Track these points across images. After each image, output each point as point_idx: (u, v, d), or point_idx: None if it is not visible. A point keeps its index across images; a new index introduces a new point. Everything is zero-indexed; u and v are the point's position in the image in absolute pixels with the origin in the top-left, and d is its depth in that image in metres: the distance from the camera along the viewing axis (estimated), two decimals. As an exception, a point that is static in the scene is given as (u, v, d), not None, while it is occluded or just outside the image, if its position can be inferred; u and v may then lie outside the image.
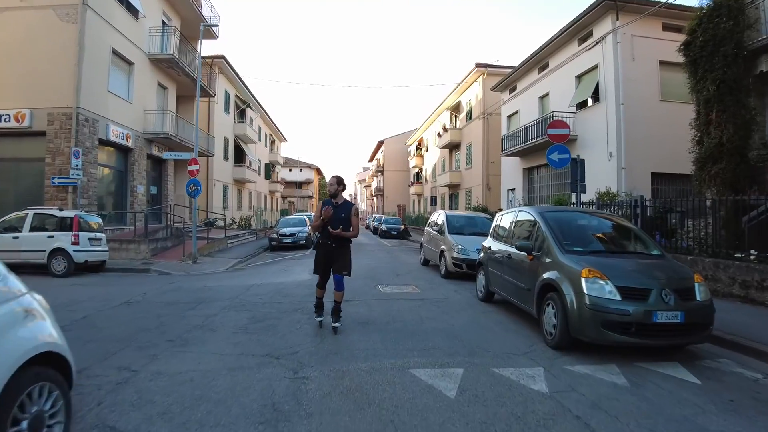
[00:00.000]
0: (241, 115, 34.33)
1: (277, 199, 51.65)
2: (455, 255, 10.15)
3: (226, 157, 30.26)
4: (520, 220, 6.80)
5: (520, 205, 19.47)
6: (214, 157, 27.57)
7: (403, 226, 29.38)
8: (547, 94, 20.86)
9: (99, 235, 11.95)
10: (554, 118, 18.41)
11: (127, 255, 13.88)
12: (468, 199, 31.08)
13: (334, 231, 5.52)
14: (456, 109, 34.18)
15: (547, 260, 5.38)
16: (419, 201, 48.75)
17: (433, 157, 42.03)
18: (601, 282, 4.66)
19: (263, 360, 4.46)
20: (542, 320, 5.29)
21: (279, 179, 51.01)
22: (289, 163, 65.53)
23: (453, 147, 34.70)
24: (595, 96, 17.37)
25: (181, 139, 20.41)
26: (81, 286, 9.66)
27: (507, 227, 7.22)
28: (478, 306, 7.40)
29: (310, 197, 68.61)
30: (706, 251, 9.15)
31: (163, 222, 19.80)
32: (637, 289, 4.63)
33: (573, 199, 16.42)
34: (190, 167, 13.90)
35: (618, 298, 4.55)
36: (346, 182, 6.27)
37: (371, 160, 74.57)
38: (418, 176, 49.11)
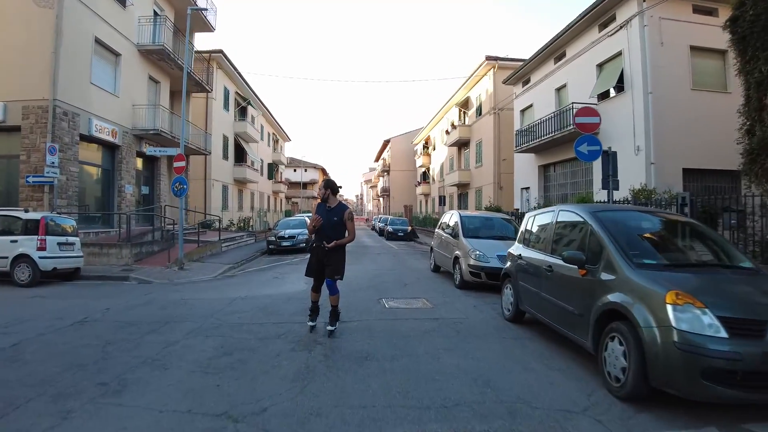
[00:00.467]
0: (242, 112, 33.15)
1: (281, 200, 50.48)
2: (472, 262, 8.76)
3: (225, 156, 29.06)
4: (562, 222, 5.38)
5: (538, 206, 18.15)
6: (212, 155, 26.38)
7: (410, 228, 28.00)
8: (564, 86, 19.42)
9: (71, 239, 10.68)
10: (575, 109, 17.07)
11: (108, 260, 12.63)
12: (478, 199, 29.65)
13: (328, 245, 5.45)
14: (465, 105, 32.76)
15: (609, 277, 3.97)
16: (426, 201, 47.32)
17: (440, 155, 40.62)
18: (696, 311, 3.27)
19: (215, 425, 3.12)
20: (602, 358, 3.88)
21: (283, 179, 49.83)
22: (294, 163, 64.36)
23: (462, 145, 33.29)
24: (620, 85, 15.92)
25: (173, 136, 19.17)
26: (41, 298, 8.40)
27: (542, 231, 5.80)
28: (507, 329, 5.98)
29: (315, 198, 67.43)
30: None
31: (156, 224, 18.61)
32: (749, 321, 3.26)
33: (597, 197, 15.07)
34: (176, 164, 12.61)
35: (723, 335, 3.16)
36: (338, 186, 6.14)
37: (377, 159, 73.24)
38: (425, 176, 47.70)
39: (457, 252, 9.50)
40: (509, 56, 27.86)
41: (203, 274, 11.86)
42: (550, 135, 18.64)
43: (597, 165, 17.16)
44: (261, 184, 38.77)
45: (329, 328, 5.56)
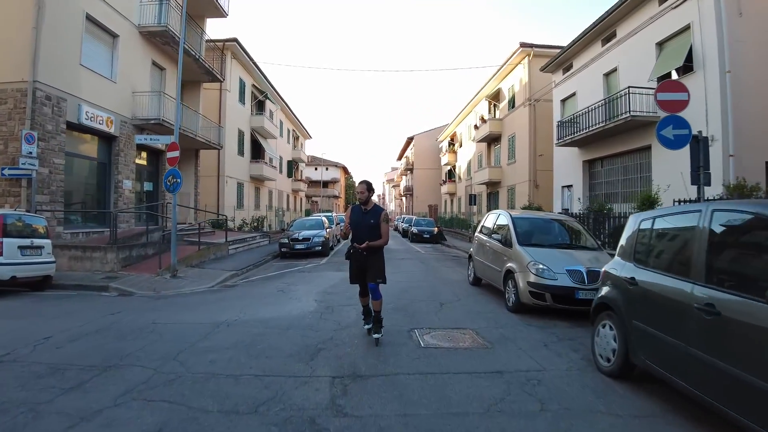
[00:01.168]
0: (260, 107, 31.55)
1: (301, 199, 48.91)
2: (533, 279, 6.59)
3: (241, 152, 27.42)
4: (730, 227, 3.20)
5: (590, 207, 15.89)
6: (225, 151, 24.76)
7: (436, 229, 25.85)
8: (614, 70, 17.05)
9: (39, 242, 8.95)
10: (633, 93, 14.72)
11: (92, 266, 10.91)
12: (511, 198, 27.32)
13: (360, 246, 5.35)
14: (496, 97, 30.44)
15: None
16: (452, 201, 45.07)
17: (467, 152, 38.33)
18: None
19: None
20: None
21: (303, 178, 48.23)
22: (315, 162, 62.85)
23: (492, 140, 30.97)
24: (687, 64, 13.54)
25: (182, 129, 17.53)
26: (-21, 318, 6.63)
27: (676, 244, 3.64)
28: (614, 395, 3.75)
29: (336, 197, 65.66)
30: None
31: (160, 224, 16.99)
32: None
33: (665, 198, 12.64)
34: (169, 154, 10.80)
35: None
36: (374, 186, 5.91)
37: (400, 158, 71.18)
38: (450, 174, 45.45)
39: (509, 264, 7.33)
40: (545, 44, 25.48)
41: (198, 284, 10.02)
42: (598, 125, 16.32)
43: (660, 158, 14.81)
44: (280, 182, 37.16)
45: (375, 336, 5.43)
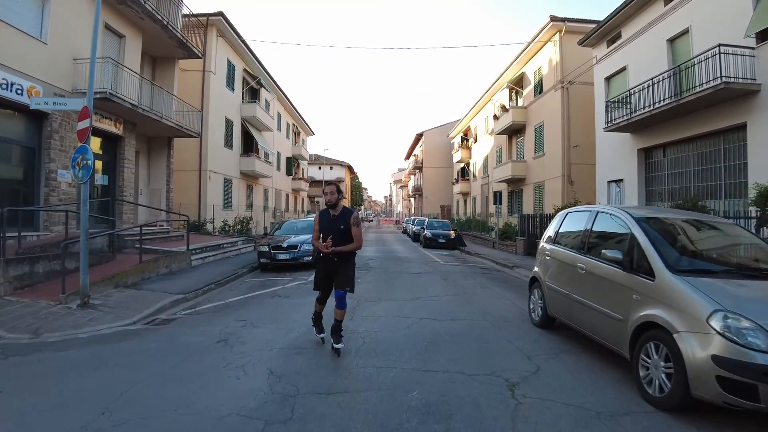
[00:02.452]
0: (253, 95, 28.21)
1: (303, 200, 45.52)
2: (724, 349, 2.96)
3: (229, 144, 24.05)
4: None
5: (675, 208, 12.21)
6: (209, 141, 21.47)
7: (453, 232, 22.27)
8: (684, 32, 13.48)
9: None
10: (720, 54, 11.12)
11: (-30, 289, 7.51)
12: (538, 197, 23.72)
13: (335, 249, 4.89)
14: (519, 83, 26.86)
15: None
16: (465, 201, 41.48)
17: (484, 147, 34.76)
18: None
19: None
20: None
21: (304, 176, 44.85)
22: (318, 161, 59.51)
23: (514, 131, 27.40)
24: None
25: (145, 109, 14.22)
26: None
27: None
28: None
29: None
30: None
31: (118, 225, 13.72)
32: None
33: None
34: (79, 125, 7.32)
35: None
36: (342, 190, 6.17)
37: (408, 157, 67.67)
38: (463, 172, 41.86)
39: (651, 312, 3.57)
40: (580, 17, 21.93)
41: (115, 318, 6.60)
42: (666, 102, 12.78)
43: (763, 140, 11.17)
44: (277, 181, 33.80)
45: (336, 346, 5.06)
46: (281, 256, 11.63)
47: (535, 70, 24.59)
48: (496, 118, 28.75)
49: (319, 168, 63.11)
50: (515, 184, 26.66)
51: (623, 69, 16.45)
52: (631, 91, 14.90)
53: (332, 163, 64.56)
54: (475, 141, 38.24)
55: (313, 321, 5.57)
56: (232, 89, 24.64)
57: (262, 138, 28.19)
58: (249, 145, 27.03)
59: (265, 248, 11.81)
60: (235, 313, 7.05)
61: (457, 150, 42.57)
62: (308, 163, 52.14)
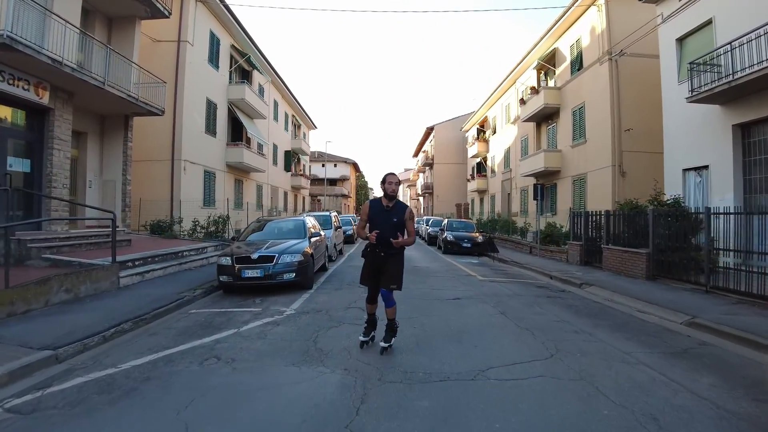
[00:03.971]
0: (244, 77, 24.61)
1: (304, 198, 41.85)
2: None
3: (211, 130, 20.44)
4: None
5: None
6: (183, 124, 17.93)
7: (478, 235, 18.47)
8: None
9: None
10: None
11: None
12: (578, 193, 19.90)
13: (397, 241, 4.61)
14: (550, 60, 23.04)
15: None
16: (482, 199, 37.67)
17: (505, 138, 30.96)
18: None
19: None
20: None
21: (305, 173, 41.21)
22: (322, 158, 55.95)
23: (545, 117, 23.60)
24: None
25: (75, 68, 10.64)
26: None
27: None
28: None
29: (345, 196, 58.48)
30: None
31: (44, 225, 10.20)
32: None
33: None
34: None
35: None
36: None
37: (416, 154, 63.88)
38: (480, 168, 38.06)
39: None
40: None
41: None
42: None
43: None
44: (273, 176, 30.20)
45: (383, 344, 4.79)
46: (248, 273, 7.86)
47: (571, 43, 20.79)
48: (522, 102, 24.91)
49: (323, 165, 59.48)
50: (547, 177, 22.83)
51: (707, 23, 12.64)
52: (722, 49, 11.13)
53: (336, 160, 60.90)
54: (494, 132, 34.42)
55: (366, 323, 5.06)
56: (216, 67, 21.02)
57: (253, 126, 24.55)
58: (238, 134, 23.43)
59: (227, 260, 8.02)
60: (95, 420, 3.33)
61: (473, 143, 38.73)
62: (310, 161, 48.58)
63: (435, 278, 10.62)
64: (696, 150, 12.79)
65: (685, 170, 13.31)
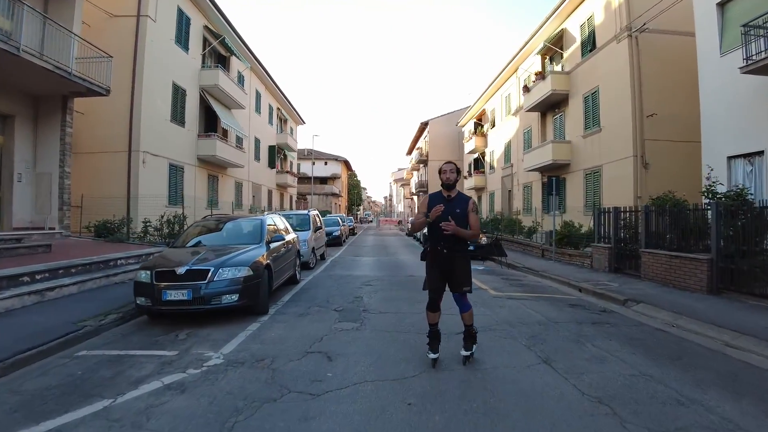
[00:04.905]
0: (220, 62, 22.27)
1: (291, 197, 39.42)
2: None
3: (178, 119, 18.12)
4: None
5: None
6: (143, 111, 15.62)
7: (481, 236, 16.33)
8: None
9: None
10: None
11: None
12: (592, 188, 17.75)
13: (457, 230, 4.12)
14: (558, 43, 20.88)
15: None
16: (480, 197, 35.54)
17: (505, 132, 28.80)
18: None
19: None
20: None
21: (292, 170, 38.84)
22: (310, 156, 53.60)
23: (551, 106, 21.46)
24: None
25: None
26: None
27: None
28: None
29: (336, 195, 56.06)
30: None
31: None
32: None
33: None
34: None
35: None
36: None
37: (410, 151, 61.67)
38: (477, 164, 35.93)
39: None
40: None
41: None
42: None
43: None
44: (256, 173, 27.87)
45: (464, 353, 4.48)
46: (171, 296, 5.48)
47: (582, 22, 18.64)
48: (526, 90, 22.73)
49: (313, 163, 57.11)
50: (554, 172, 20.64)
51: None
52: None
53: (327, 157, 58.49)
54: (493, 126, 32.26)
55: (429, 337, 4.47)
56: (186, 48, 18.68)
57: (230, 116, 22.23)
58: (212, 125, 21.10)
59: (146, 276, 5.72)
60: None
61: (470, 138, 36.55)
62: (299, 158, 46.22)
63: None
64: (746, 133, 10.64)
65: (730, 158, 11.16)
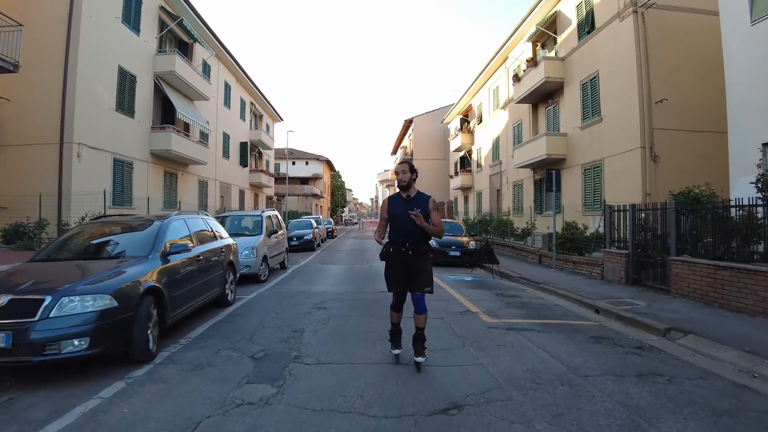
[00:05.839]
0: (182, 49, 20.09)
1: (268, 198, 37.10)
2: None
3: (126, 108, 15.91)
4: None
5: None
6: (75, 95, 13.42)
7: (468, 239, 14.39)
8: None
9: None
10: None
11: None
12: (592, 184, 15.99)
13: (424, 225, 4.15)
14: (551, 26, 19.11)
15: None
16: (467, 197, 33.77)
17: (494, 127, 27.03)
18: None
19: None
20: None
21: (268, 170, 36.59)
22: (292, 154, 51.41)
23: (543, 96, 19.73)
24: None
25: None
26: None
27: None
28: None
29: (317, 196, 53.82)
30: None
31: None
32: None
33: None
34: None
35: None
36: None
37: (395, 151, 59.78)
38: (464, 162, 34.15)
39: None
40: None
41: None
42: None
43: None
44: (224, 171, 25.67)
45: (418, 359, 4.36)
46: None
47: (578, 1, 16.89)
48: (516, 79, 20.93)
49: (293, 163, 54.93)
50: (552, 166, 18.87)
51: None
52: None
53: (308, 157, 56.24)
54: (480, 122, 30.48)
55: (390, 334, 4.59)
56: (136, 30, 16.49)
57: (191, 108, 20.05)
58: (171, 116, 18.88)
59: None
60: None
61: (456, 135, 34.72)
62: (280, 157, 43.95)
63: (406, 320, 6.13)
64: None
65: (766, 144, 9.39)
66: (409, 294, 4.35)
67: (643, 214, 9.28)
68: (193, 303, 5.68)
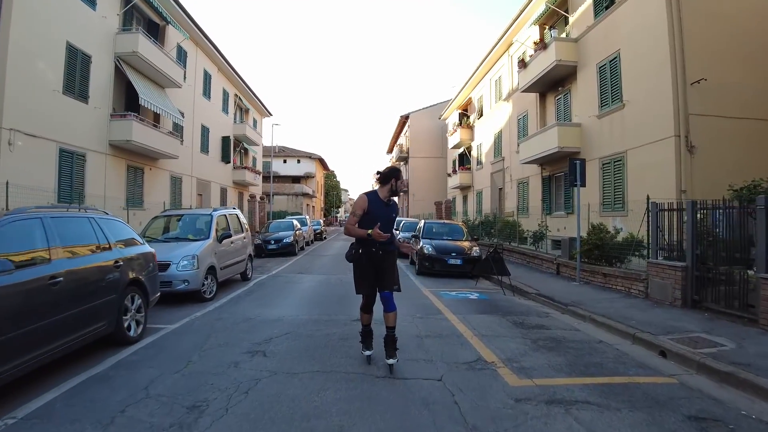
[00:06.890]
0: (151, 31, 17.99)
1: (254, 196, 34.88)
2: None
3: (77, 92, 13.82)
4: None
5: None
6: (6, 73, 11.30)
7: (470, 244, 12.29)
8: None
9: None
10: None
11: None
12: (611, 181, 14.00)
13: (382, 235, 4.17)
14: (562, 5, 17.10)
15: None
16: (465, 197, 31.77)
17: (495, 120, 25.02)
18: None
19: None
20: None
21: (255, 167, 34.44)
22: (282, 153, 49.38)
23: (553, 83, 17.74)
24: None
25: None
26: None
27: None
28: None
29: (308, 196, 51.57)
30: None
31: None
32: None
33: None
34: None
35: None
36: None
37: (390, 150, 57.71)
38: (463, 159, 32.13)
39: None
40: None
41: None
42: None
43: None
44: (202, 167, 23.54)
45: (390, 361, 4.35)
46: None
47: (595, -25, 14.89)
48: (522, 65, 18.89)
49: (285, 161, 52.87)
50: (556, 164, 16.89)
51: None
52: None
53: (299, 155, 54.02)
54: (480, 116, 28.46)
55: (362, 336, 4.66)
56: (92, 3, 14.40)
57: (160, 95, 17.92)
58: (136, 104, 16.73)
59: None
60: None
61: (454, 131, 32.72)
62: (271, 155, 41.74)
63: (380, 385, 4.00)
64: None
65: None
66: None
67: (702, 214, 7.17)
68: (41, 351, 3.62)
